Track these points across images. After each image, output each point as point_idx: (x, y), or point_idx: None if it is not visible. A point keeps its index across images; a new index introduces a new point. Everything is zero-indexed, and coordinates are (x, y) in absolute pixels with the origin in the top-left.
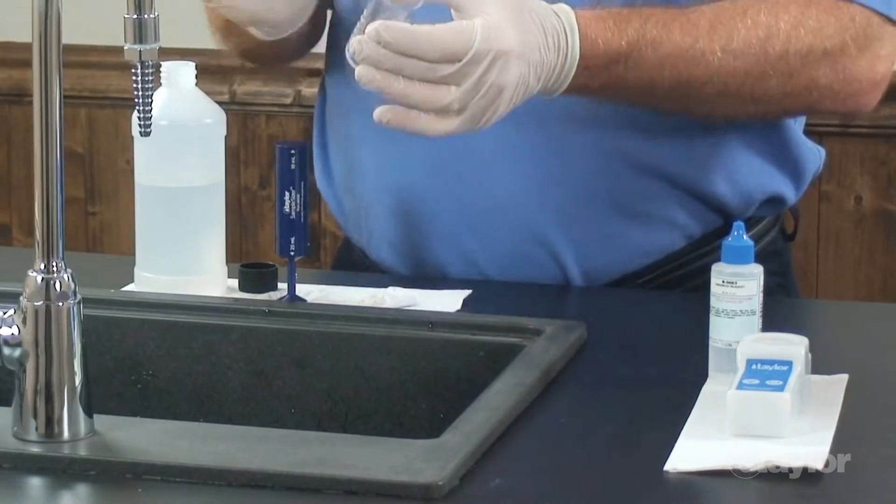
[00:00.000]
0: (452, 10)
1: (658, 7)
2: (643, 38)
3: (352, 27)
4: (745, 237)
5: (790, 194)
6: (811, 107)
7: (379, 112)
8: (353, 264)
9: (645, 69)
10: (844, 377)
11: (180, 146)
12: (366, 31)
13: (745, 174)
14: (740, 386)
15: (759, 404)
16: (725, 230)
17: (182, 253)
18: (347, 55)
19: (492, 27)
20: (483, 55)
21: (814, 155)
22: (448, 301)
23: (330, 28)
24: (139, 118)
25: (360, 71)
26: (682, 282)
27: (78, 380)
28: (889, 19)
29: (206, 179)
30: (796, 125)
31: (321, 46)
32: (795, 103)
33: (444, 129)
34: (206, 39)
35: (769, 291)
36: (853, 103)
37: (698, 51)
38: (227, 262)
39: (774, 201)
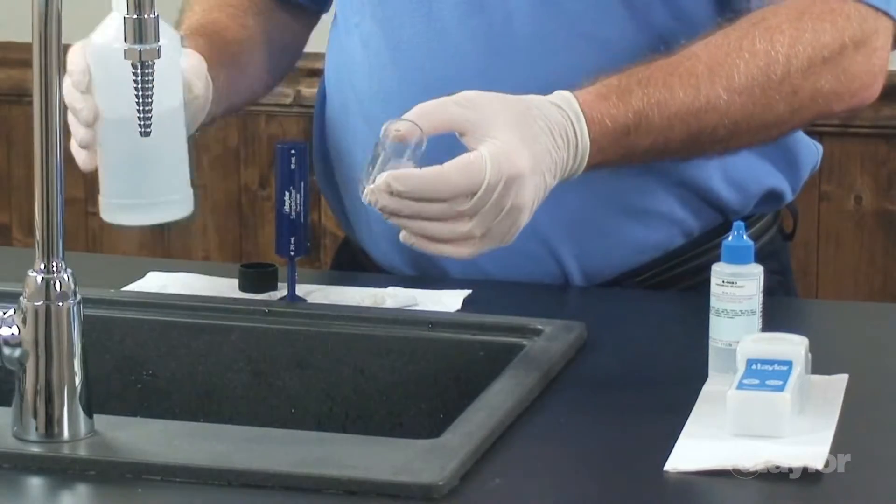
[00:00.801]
0: (459, 136)
1: (654, 65)
2: (647, 104)
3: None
4: (745, 237)
5: (787, 190)
6: (818, 114)
7: (404, 237)
8: (354, 263)
9: (656, 132)
10: (844, 377)
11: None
12: (376, 181)
13: (741, 169)
14: (740, 386)
15: (759, 404)
16: (724, 228)
17: (145, 181)
18: (363, 199)
19: (501, 153)
20: (496, 183)
21: (811, 150)
22: (448, 301)
23: (332, 28)
24: (139, 118)
25: (393, 220)
26: (679, 280)
27: (78, 380)
28: (882, 11)
29: (159, 106)
30: None
31: (322, 46)
32: (804, 117)
33: (468, 253)
34: None
35: (769, 291)
36: (857, 100)
37: (703, 100)
38: (227, 259)
39: (772, 197)
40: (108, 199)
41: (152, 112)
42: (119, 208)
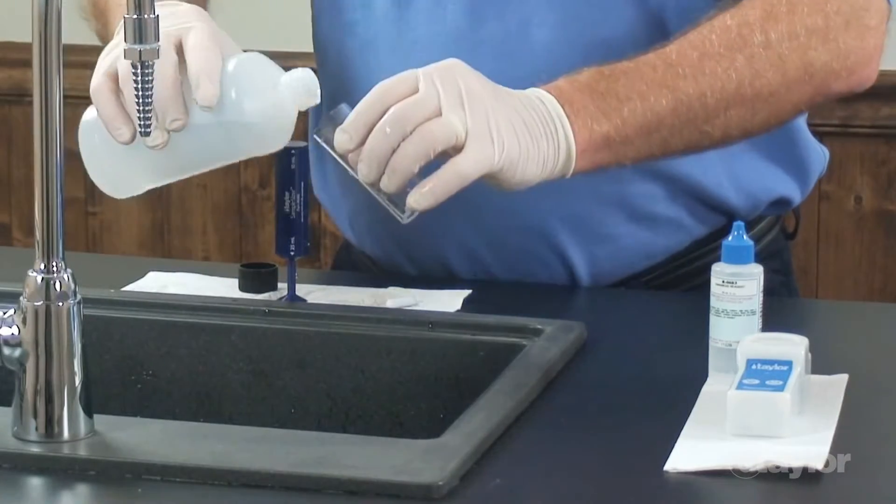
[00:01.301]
0: None
1: (619, 64)
2: (613, 72)
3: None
4: (745, 237)
5: (796, 196)
6: (816, 92)
7: (414, 202)
8: (354, 265)
9: (633, 94)
10: (844, 377)
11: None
12: (336, 147)
13: (752, 177)
14: (740, 386)
15: (759, 404)
16: (728, 230)
17: (141, 171)
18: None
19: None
20: (430, 73)
21: (819, 155)
22: (448, 301)
23: (313, 26)
24: (139, 118)
25: (384, 184)
26: (684, 280)
27: (78, 380)
28: None
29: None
30: (802, 124)
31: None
32: (801, 93)
33: (472, 160)
34: None
35: (772, 290)
36: (856, 79)
37: (674, 64)
38: (227, 259)
39: (780, 203)
40: (101, 148)
41: (152, 113)
42: (97, 167)
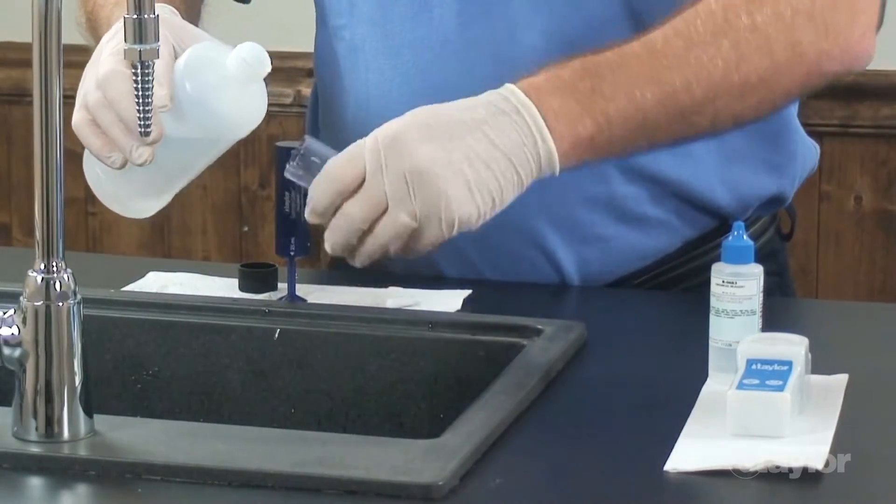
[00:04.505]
0: None
1: (606, 52)
2: (597, 69)
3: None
4: (745, 237)
5: (787, 192)
6: (809, 75)
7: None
8: (347, 264)
9: (620, 92)
10: (844, 377)
11: (220, 84)
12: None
13: (743, 178)
14: (740, 386)
15: (759, 404)
16: (720, 231)
17: (145, 185)
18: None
19: (380, 130)
20: (377, 151)
21: (810, 152)
22: (448, 301)
23: (317, 31)
24: (139, 118)
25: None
26: (678, 282)
27: (78, 380)
28: None
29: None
30: (795, 121)
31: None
32: (793, 75)
33: (425, 243)
34: None
35: (768, 292)
36: (850, 59)
37: (660, 55)
38: (227, 259)
39: (771, 201)
40: (103, 176)
41: (152, 113)
42: (105, 194)
